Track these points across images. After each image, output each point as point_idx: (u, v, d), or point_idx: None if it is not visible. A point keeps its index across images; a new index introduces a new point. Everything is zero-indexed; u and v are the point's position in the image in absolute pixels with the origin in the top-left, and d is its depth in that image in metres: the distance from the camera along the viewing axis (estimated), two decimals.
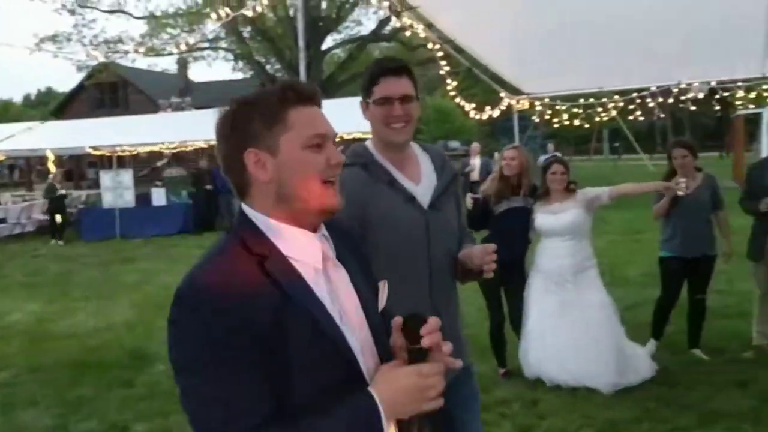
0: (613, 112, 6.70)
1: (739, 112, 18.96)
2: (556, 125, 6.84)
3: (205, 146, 17.35)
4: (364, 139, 2.31)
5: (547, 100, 6.76)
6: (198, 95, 32.36)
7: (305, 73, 7.02)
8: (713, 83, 6.41)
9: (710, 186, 5.27)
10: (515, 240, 5.00)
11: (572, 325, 4.87)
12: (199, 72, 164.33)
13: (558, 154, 15.74)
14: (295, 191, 1.35)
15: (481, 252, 2.14)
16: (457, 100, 5.85)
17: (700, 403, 4.52)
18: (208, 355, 1.21)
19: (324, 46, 28.03)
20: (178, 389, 1.26)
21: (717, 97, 6.55)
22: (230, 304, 1.23)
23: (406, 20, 4.96)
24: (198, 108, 24.95)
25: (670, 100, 6.24)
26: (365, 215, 2.08)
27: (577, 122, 6.66)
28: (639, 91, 6.48)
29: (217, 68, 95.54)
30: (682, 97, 6.17)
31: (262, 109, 1.36)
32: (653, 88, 6.32)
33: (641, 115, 6.68)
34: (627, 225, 11.53)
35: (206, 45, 28.69)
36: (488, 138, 32.16)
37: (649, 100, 6.37)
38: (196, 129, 15.95)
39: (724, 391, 4.72)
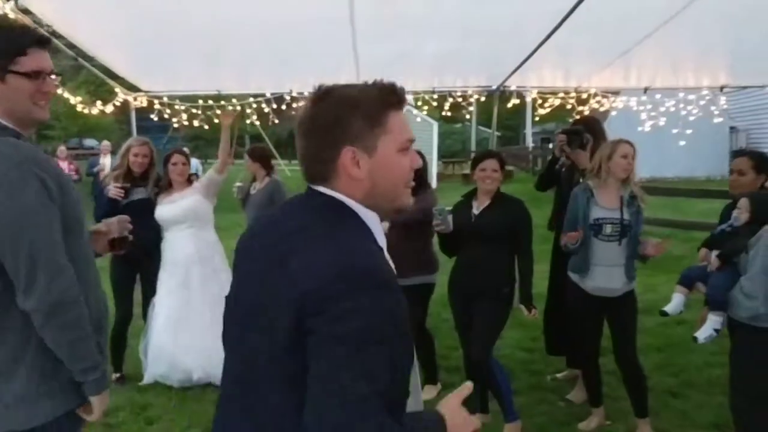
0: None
1: None
2: (176, 124, 6.74)
3: None
4: None
5: (165, 99, 6.63)
6: None
7: None
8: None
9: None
10: (142, 230, 4.82)
11: (195, 321, 4.83)
12: None
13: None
14: (387, 190, 1.41)
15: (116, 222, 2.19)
16: (60, 91, 5.36)
17: None
18: (392, 329, 1.25)
19: None
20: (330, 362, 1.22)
21: None
22: (395, 282, 1.30)
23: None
24: None
25: (284, 107, 6.62)
26: None
27: (196, 123, 6.68)
28: (255, 96, 6.75)
29: None
30: (294, 105, 6.60)
31: (364, 110, 1.37)
32: (268, 94, 6.64)
33: (257, 120, 6.99)
34: None
35: None
36: (129, 137, 30.44)
37: (264, 105, 6.68)
38: None
39: None
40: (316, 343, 1.21)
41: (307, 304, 1.22)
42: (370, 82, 1.43)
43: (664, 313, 3.13)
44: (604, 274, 3.82)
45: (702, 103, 6.91)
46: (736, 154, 3.55)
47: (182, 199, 4.93)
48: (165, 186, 4.98)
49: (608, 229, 3.76)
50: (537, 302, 4.13)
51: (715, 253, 3.13)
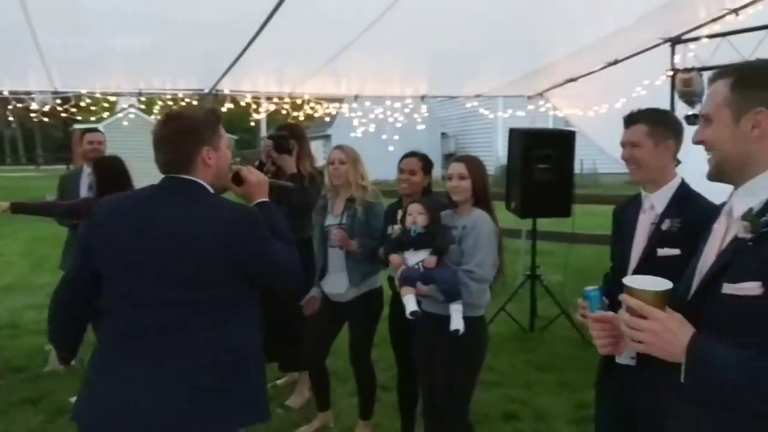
0: None
1: (76, 126, 19.40)
2: None
3: None
4: None
5: None
6: None
7: None
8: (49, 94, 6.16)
9: None
10: None
11: None
12: None
13: None
14: (223, 171, 2.29)
15: None
16: None
17: None
18: None
19: None
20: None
21: (62, 108, 6.32)
22: None
23: None
24: None
25: (10, 107, 5.79)
26: None
27: None
28: None
29: None
30: (20, 105, 5.77)
31: (209, 124, 2.23)
32: (6, 93, 5.76)
33: None
34: None
35: None
36: None
37: None
38: None
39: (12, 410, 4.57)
40: None
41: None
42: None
43: (414, 313, 3.22)
44: (333, 279, 3.98)
45: (406, 110, 7.43)
46: (406, 156, 3.79)
47: None
48: None
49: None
50: None
51: (422, 252, 3.25)
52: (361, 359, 4.04)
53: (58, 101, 6.47)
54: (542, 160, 6.02)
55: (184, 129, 2.16)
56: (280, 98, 6.84)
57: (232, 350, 2.08)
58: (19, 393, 4.86)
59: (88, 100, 6.31)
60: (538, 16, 5.00)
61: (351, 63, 5.81)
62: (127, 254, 2.06)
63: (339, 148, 4.00)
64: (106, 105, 6.92)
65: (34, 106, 6.26)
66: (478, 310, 3.24)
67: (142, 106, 16.65)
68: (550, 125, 9.34)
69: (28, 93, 6.18)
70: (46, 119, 6.80)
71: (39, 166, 40.77)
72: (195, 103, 6.35)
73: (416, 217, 3.26)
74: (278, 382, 5.06)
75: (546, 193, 6.06)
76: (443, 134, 27.50)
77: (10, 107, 6.21)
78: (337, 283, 3.97)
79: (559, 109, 7.78)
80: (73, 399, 4.44)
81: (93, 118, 18.21)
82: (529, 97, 7.76)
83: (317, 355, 4.15)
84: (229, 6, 4.39)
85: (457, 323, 3.11)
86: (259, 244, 2.12)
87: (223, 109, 6.58)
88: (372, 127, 7.52)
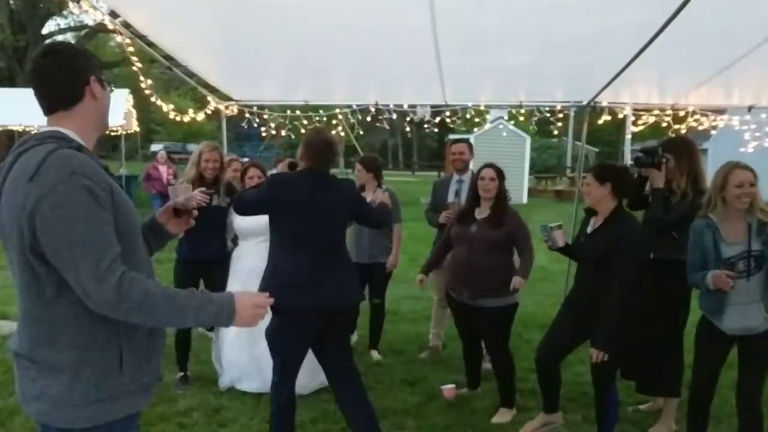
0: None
1: (451, 137, 21.06)
2: (264, 133, 6.92)
3: None
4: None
5: (255, 108, 6.80)
6: None
7: None
8: (427, 108, 6.87)
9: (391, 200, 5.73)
10: (213, 238, 4.99)
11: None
12: None
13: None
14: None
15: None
16: (153, 99, 5.60)
17: (374, 401, 4.85)
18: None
19: (46, 30, 25.39)
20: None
21: (437, 120, 7.03)
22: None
23: (100, 13, 4.61)
24: None
25: (368, 119, 6.67)
26: None
27: (283, 132, 6.81)
28: (341, 107, 6.82)
29: None
30: (407, 118, 6.60)
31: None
32: (354, 106, 6.68)
33: (342, 131, 7.07)
34: None
35: None
36: (231, 143, 31.59)
37: (350, 116, 6.74)
38: None
39: (396, 389, 5.13)
40: None
41: None
42: None
43: None
44: (740, 313, 3.57)
45: None
46: None
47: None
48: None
49: (741, 265, 3.50)
50: None
51: None
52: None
53: (447, 113, 7.01)
54: None
55: None
56: (662, 110, 6.47)
57: None
58: (399, 374, 5.45)
59: (472, 112, 6.81)
60: None
61: (747, 72, 5.21)
62: None
63: (743, 168, 3.57)
64: (477, 119, 7.36)
65: (415, 118, 6.97)
66: None
67: (511, 120, 17.50)
68: None
69: (412, 106, 6.87)
70: (426, 129, 7.40)
71: (414, 172, 45.36)
72: (572, 114, 6.37)
73: None
74: (641, 407, 4.79)
75: None
76: None
77: (408, 119, 6.96)
78: (746, 316, 3.57)
79: None
80: (447, 386, 4.85)
81: (475, 129, 19.72)
82: None
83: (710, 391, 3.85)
84: (610, 18, 4.28)
85: None
86: None
87: (600, 122, 6.49)
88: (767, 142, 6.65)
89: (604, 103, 6.40)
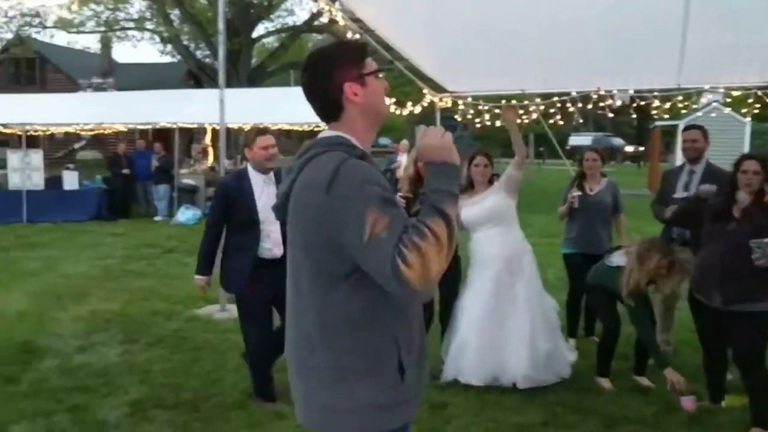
0: (534, 115, 6.71)
1: (657, 123, 19.62)
2: (478, 125, 6.80)
3: (125, 129, 16.65)
4: (290, 131, 2.15)
5: (469, 99, 6.71)
6: (122, 77, 31.03)
7: (224, 58, 6.74)
8: (631, 92, 6.48)
9: (612, 191, 5.64)
10: None
11: (499, 321, 4.79)
12: (125, 53, 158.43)
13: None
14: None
15: None
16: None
17: (604, 408, 4.56)
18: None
19: (255, 34, 27.44)
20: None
21: (635, 105, 6.60)
22: None
23: (332, 10, 4.78)
24: (122, 90, 23.87)
25: (589, 106, 6.30)
26: None
27: (498, 123, 6.63)
28: (560, 95, 6.51)
29: (143, 50, 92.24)
30: (602, 104, 6.24)
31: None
32: (573, 93, 6.36)
33: (561, 120, 6.73)
34: (543, 229, 11.70)
35: (131, 24, 27.63)
36: None
37: (569, 105, 6.41)
38: (115, 111, 15.27)
39: (627, 396, 4.78)
40: None
41: None
42: None
43: None
44: None
45: None
46: None
47: (484, 200, 4.93)
48: (466, 187, 5.00)
49: None
50: None
51: None
52: None
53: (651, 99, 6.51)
54: None
55: None
56: None
57: None
58: (629, 381, 5.06)
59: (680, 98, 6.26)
60: None
61: None
62: None
63: None
64: (684, 103, 6.73)
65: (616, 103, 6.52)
66: None
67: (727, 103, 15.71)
68: None
69: (638, 91, 6.41)
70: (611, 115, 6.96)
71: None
72: None
73: None
74: None
75: None
76: None
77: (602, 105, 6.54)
78: None
79: None
80: (687, 397, 4.43)
81: (684, 113, 18.10)
82: None
83: None
84: None
85: None
86: None
87: None
88: None
89: None
